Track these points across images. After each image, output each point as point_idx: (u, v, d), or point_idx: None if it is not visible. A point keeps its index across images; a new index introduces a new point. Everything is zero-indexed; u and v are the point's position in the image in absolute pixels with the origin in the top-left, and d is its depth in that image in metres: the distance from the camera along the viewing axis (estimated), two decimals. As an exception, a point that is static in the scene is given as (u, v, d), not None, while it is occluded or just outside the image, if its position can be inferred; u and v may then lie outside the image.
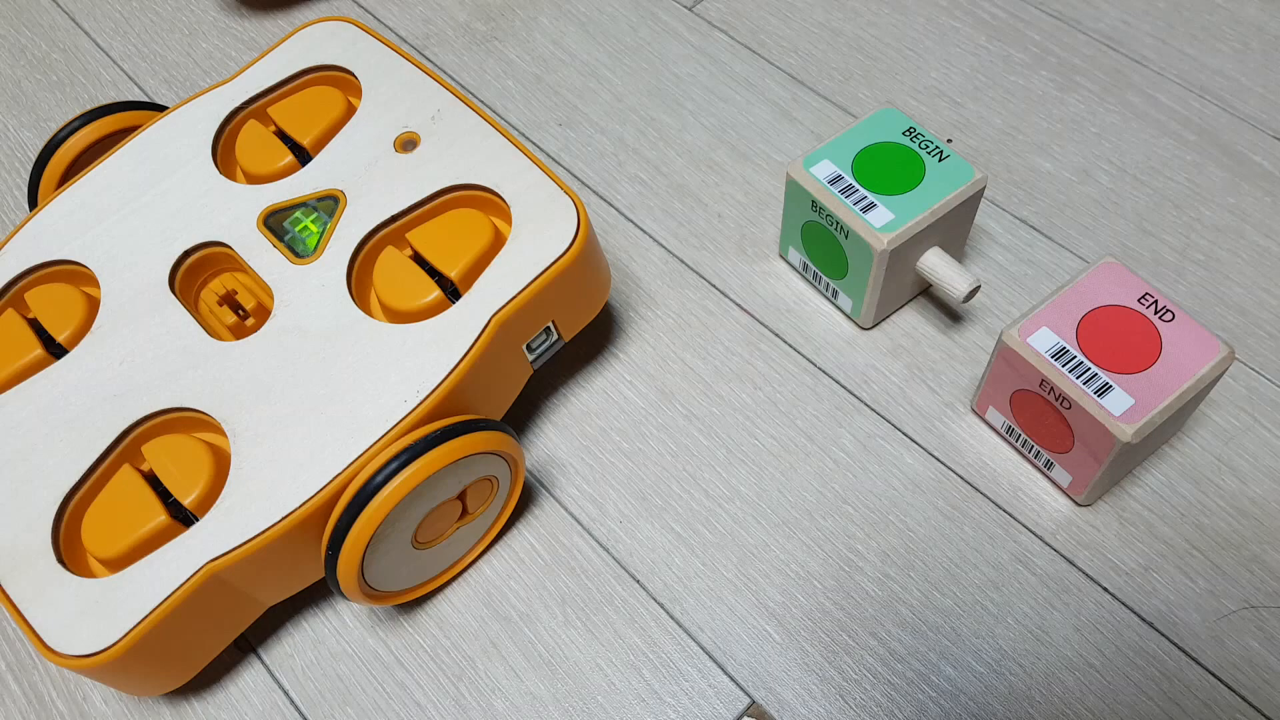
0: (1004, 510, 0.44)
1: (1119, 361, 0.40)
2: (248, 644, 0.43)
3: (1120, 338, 0.40)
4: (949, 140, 0.54)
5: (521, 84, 0.59)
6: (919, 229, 0.44)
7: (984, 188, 0.45)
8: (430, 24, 0.62)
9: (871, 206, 0.44)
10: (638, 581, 0.43)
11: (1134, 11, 0.59)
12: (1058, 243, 0.51)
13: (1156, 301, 0.41)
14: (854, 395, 0.47)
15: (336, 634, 0.43)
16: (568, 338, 0.45)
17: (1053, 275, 0.50)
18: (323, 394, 0.39)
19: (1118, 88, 0.56)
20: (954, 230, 0.46)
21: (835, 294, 0.49)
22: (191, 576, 0.36)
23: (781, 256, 0.51)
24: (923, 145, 0.46)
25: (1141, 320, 0.41)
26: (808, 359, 0.49)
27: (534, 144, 0.56)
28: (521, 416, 0.48)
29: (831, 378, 0.48)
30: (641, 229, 0.53)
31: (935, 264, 0.46)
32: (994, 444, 0.45)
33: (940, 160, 0.45)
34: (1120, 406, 0.39)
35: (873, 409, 0.47)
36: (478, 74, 0.59)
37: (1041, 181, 0.53)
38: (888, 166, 0.45)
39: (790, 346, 0.49)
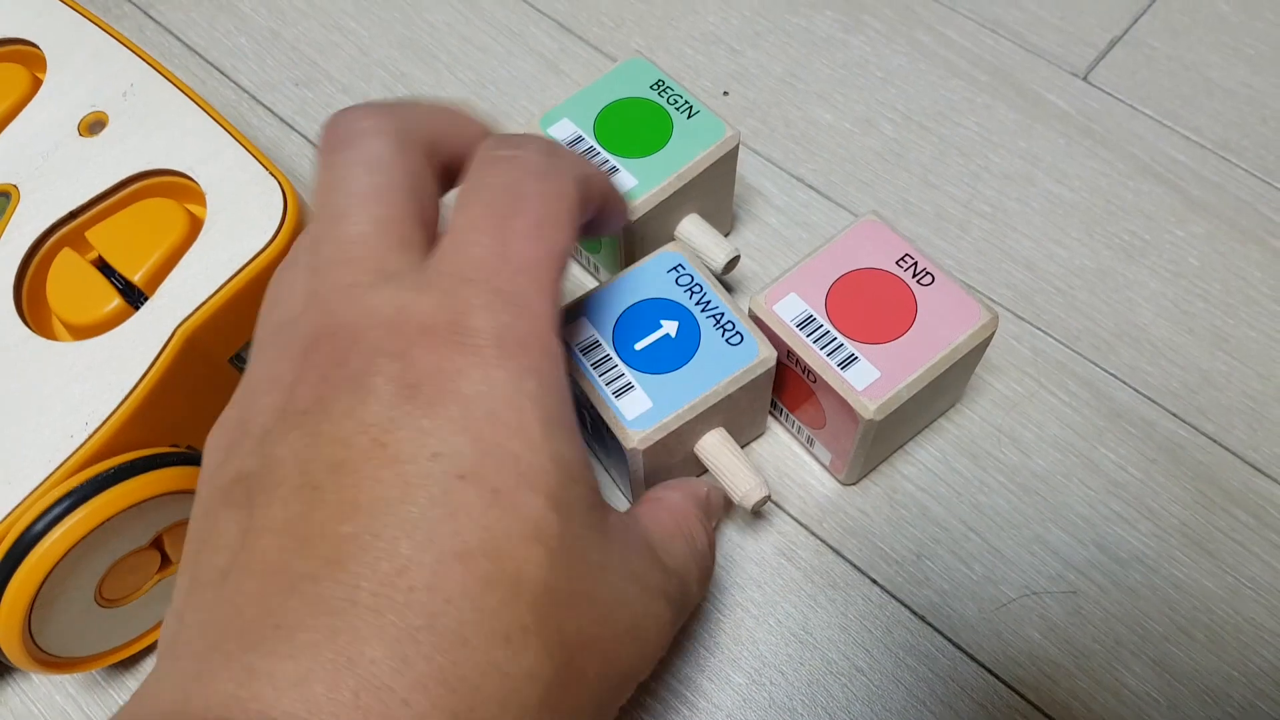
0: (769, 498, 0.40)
1: (870, 330, 0.36)
2: (-84, 712, 0.37)
3: (874, 304, 0.36)
4: (725, 93, 0.50)
5: (255, 40, 0.52)
6: (665, 195, 0.39)
7: (737, 145, 0.40)
8: (157, -22, 0.54)
9: (613, 171, 0.40)
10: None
11: (930, -58, 0.55)
12: (835, 201, 0.47)
13: (916, 263, 0.37)
14: (618, 380, 0.43)
15: (21, 692, 0.37)
16: None
17: (827, 238, 0.46)
18: (-24, 430, 0.33)
19: (906, 26, 0.52)
20: (713, 194, 0.42)
21: (597, 269, 0.44)
22: None
23: (543, 228, 0.46)
24: (671, 100, 0.41)
25: (898, 284, 0.37)
26: (571, 342, 0.44)
27: (266, 108, 0.50)
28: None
29: (595, 361, 0.43)
30: (390, 203, 0.47)
31: (691, 233, 0.41)
32: (760, 428, 0.41)
33: (690, 117, 0.41)
34: (865, 380, 0.35)
35: (637, 394, 0.42)
36: (207, 32, 0.52)
37: (821, 135, 0.48)
38: (633, 125, 0.41)
39: (552, 328, 0.44)
